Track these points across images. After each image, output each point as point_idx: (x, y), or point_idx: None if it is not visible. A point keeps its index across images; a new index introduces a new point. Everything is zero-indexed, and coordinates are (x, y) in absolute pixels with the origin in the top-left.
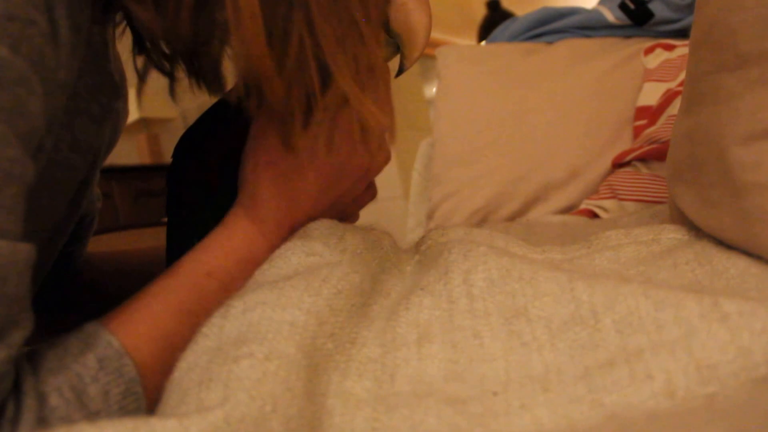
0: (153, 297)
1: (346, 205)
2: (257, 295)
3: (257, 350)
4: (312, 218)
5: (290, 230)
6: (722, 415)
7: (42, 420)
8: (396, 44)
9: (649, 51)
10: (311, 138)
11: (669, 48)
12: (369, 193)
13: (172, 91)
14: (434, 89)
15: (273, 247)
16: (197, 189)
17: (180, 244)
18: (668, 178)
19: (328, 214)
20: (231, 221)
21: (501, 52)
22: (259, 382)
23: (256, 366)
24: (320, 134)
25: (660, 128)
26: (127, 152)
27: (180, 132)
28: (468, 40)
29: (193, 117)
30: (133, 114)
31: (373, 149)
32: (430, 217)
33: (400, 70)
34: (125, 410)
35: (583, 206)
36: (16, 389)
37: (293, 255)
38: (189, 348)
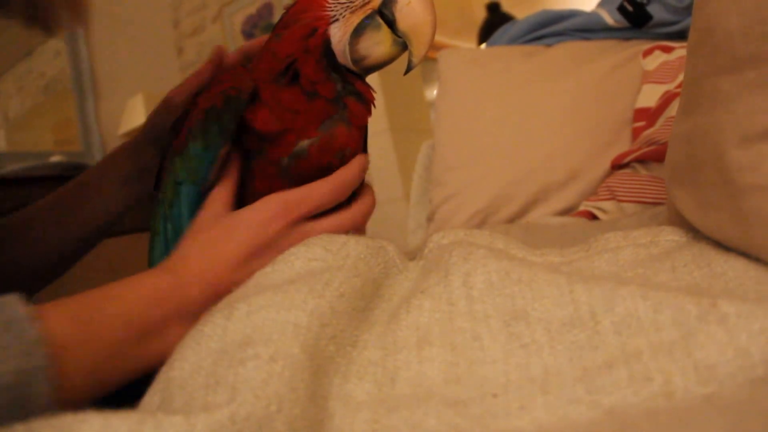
0: (45, 303)
1: None
2: (261, 298)
3: (263, 351)
4: (238, 275)
5: (215, 279)
6: (720, 415)
7: None
8: (403, 43)
9: (647, 53)
10: None
11: (667, 50)
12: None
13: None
14: (435, 92)
15: (190, 293)
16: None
17: (154, 221)
18: (666, 179)
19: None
20: (157, 268)
21: (501, 54)
22: (264, 382)
23: (262, 367)
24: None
25: (659, 130)
26: None
27: None
28: (468, 43)
29: None
30: (140, 118)
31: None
32: (430, 219)
33: (409, 68)
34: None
35: (582, 208)
36: None
37: (296, 260)
38: (189, 347)
